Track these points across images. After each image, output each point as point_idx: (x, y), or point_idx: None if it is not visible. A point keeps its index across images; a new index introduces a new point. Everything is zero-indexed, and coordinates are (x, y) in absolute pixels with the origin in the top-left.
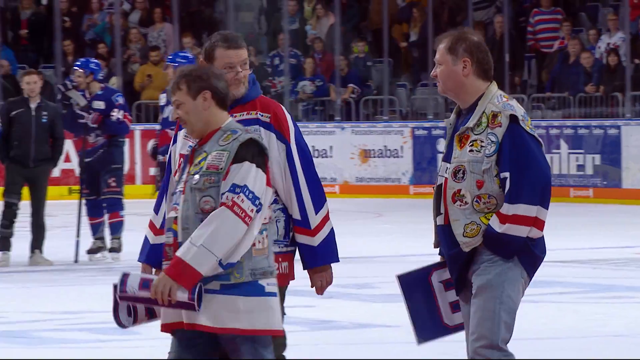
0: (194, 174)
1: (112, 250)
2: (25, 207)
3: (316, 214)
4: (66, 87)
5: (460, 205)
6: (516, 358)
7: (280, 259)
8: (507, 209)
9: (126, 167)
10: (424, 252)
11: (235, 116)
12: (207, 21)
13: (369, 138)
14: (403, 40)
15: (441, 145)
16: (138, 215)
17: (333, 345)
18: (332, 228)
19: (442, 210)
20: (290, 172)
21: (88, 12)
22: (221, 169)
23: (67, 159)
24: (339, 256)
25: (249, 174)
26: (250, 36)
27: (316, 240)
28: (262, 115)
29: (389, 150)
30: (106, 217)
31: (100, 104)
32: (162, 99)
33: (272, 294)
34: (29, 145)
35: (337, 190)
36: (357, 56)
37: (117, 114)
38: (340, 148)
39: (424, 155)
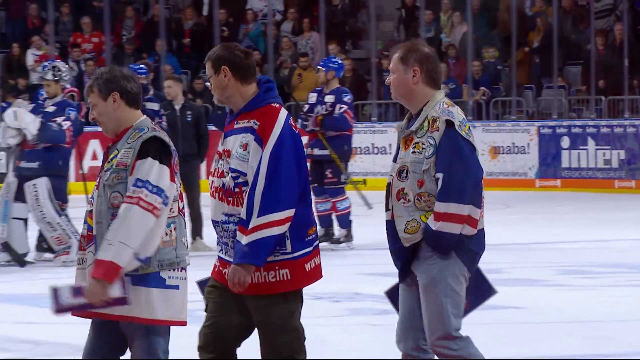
0: (106, 171)
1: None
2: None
3: (258, 217)
4: None
5: (404, 203)
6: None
7: (277, 267)
8: (439, 207)
9: None
10: (548, 239)
11: (239, 123)
12: (351, 30)
13: (498, 136)
14: (528, 47)
15: (565, 142)
16: None
17: (467, 325)
18: (274, 236)
19: (390, 207)
20: (254, 176)
21: (244, 22)
22: (128, 165)
23: None
24: (263, 262)
25: (152, 169)
26: (389, 43)
27: (246, 239)
28: (254, 124)
29: (517, 147)
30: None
31: (330, 98)
32: (312, 97)
33: (174, 287)
34: (176, 143)
35: None
36: (487, 61)
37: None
38: None
39: (549, 151)
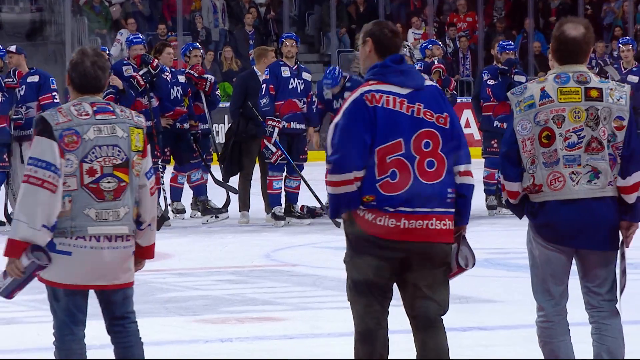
0: None
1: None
2: None
3: None
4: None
5: None
6: None
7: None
8: None
9: None
10: None
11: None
12: None
13: None
14: None
15: None
16: None
17: None
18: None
19: None
20: None
21: (607, 1)
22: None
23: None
24: None
25: (37, 146)
26: None
27: None
28: None
29: None
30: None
31: (634, 79)
32: None
33: (64, 252)
34: None
35: None
36: None
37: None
38: None
39: None
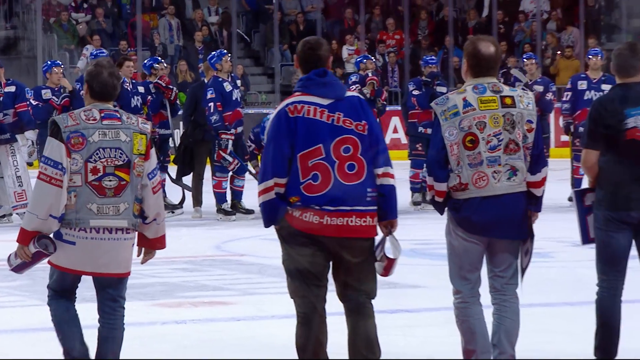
0: None
1: None
2: None
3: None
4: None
5: None
6: None
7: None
8: None
9: None
10: None
11: None
12: (605, 27)
13: None
14: None
15: None
16: None
17: None
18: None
19: None
20: None
21: (517, 21)
22: None
23: None
24: None
25: (48, 146)
26: (638, 37)
27: None
28: None
29: None
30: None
31: (539, 88)
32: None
33: (69, 242)
34: None
35: None
36: None
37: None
38: None
39: None
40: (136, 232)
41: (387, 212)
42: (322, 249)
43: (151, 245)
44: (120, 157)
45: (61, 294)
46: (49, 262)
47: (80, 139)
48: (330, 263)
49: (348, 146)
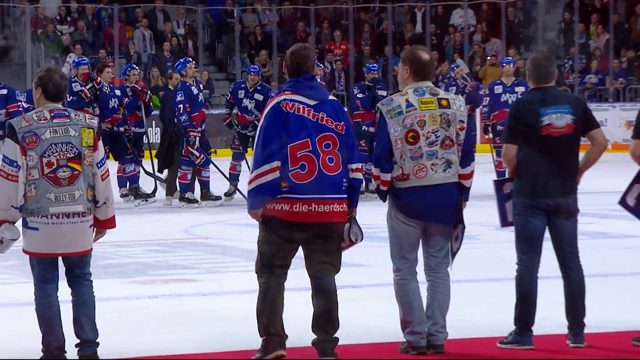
0: None
1: None
2: None
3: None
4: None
5: None
6: None
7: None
8: None
9: None
10: None
11: None
12: (524, 38)
13: (632, 113)
14: None
15: None
16: None
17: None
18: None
19: None
20: None
21: (447, 33)
22: None
23: None
24: None
25: (5, 146)
26: (553, 47)
27: None
28: None
29: None
30: None
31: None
32: (498, 88)
33: (33, 228)
34: None
35: (610, 147)
36: (625, 59)
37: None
38: (612, 120)
39: None
40: (92, 215)
41: (352, 201)
42: (297, 239)
43: (102, 225)
44: (71, 150)
45: (45, 284)
46: (23, 250)
47: (33, 138)
48: (300, 247)
49: (329, 142)
